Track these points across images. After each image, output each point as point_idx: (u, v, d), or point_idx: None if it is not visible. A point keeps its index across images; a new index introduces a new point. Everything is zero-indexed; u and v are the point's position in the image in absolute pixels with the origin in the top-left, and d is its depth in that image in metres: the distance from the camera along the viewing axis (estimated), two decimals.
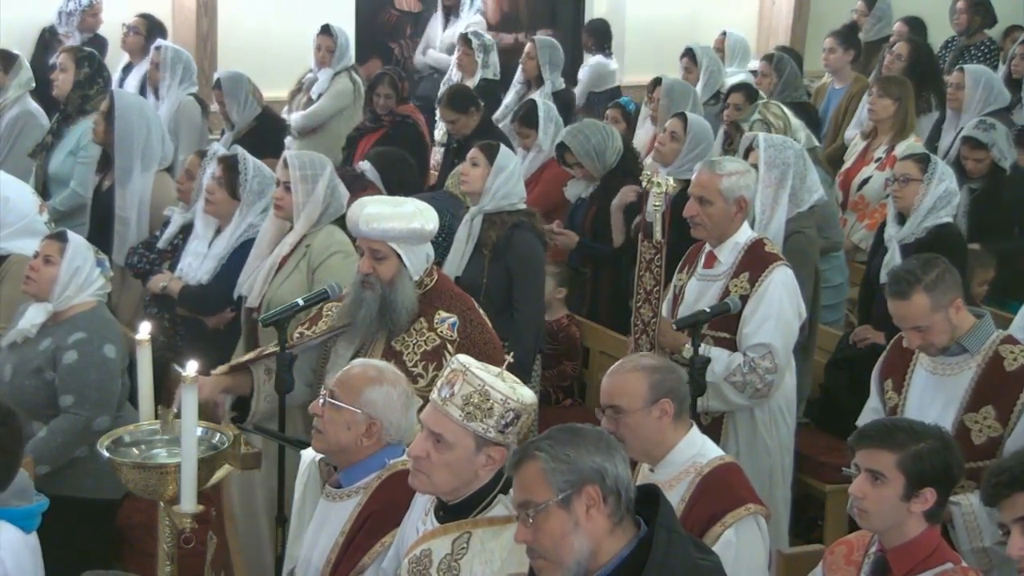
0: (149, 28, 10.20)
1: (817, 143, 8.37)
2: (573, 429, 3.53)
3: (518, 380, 4.03)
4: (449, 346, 5.21)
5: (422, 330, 5.25)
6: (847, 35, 10.86)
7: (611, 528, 3.47)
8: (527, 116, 8.61)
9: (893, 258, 6.94)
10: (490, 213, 6.70)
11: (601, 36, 11.29)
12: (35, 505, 4.24)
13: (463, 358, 3.99)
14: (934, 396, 5.03)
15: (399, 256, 5.20)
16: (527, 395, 3.96)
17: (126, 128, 7.61)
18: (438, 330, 5.24)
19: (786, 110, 8.05)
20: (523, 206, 6.77)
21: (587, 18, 13.03)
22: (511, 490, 3.92)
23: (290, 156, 6.33)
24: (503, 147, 6.89)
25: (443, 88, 10.61)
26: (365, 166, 8.03)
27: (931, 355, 5.06)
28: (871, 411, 5.28)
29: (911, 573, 3.96)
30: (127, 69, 10.12)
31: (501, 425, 3.89)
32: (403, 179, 7.82)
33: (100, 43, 10.26)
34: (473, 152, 6.84)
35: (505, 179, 6.69)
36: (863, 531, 4.22)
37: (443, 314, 5.26)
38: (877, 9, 11.72)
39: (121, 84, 9.74)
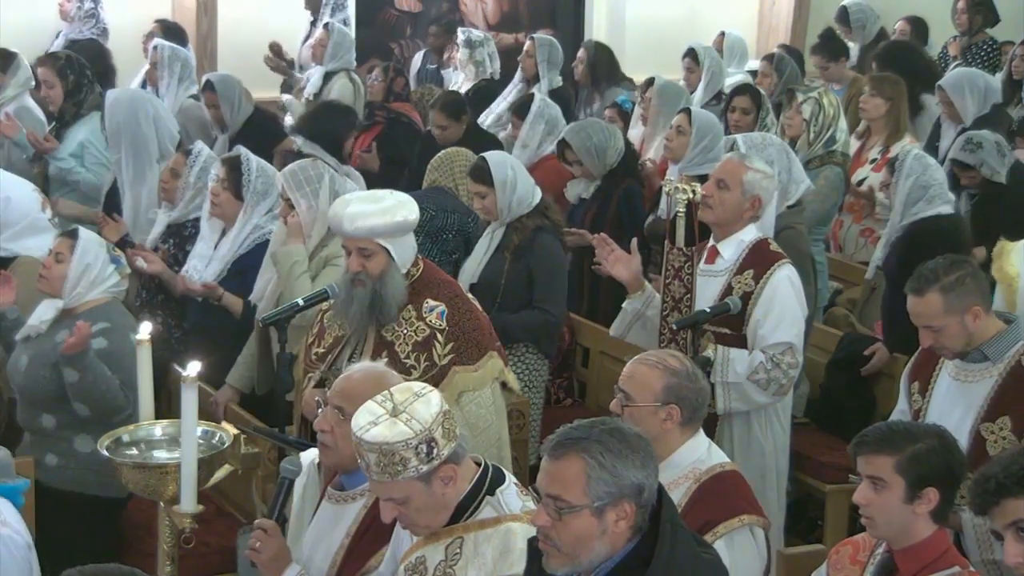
0: (165, 34, 10.23)
1: (849, 151, 8.37)
2: (623, 437, 3.48)
3: (417, 394, 3.83)
4: (439, 335, 5.21)
5: (411, 319, 5.24)
6: (828, 46, 10.80)
7: (630, 536, 3.49)
8: (522, 107, 8.60)
9: (878, 252, 6.98)
10: (511, 222, 6.69)
11: None
12: (22, 483, 4.26)
13: (353, 426, 3.82)
14: (955, 402, 4.96)
15: (387, 250, 5.19)
16: (425, 413, 3.78)
17: (114, 126, 7.61)
18: (427, 319, 5.23)
19: (841, 107, 8.10)
20: (538, 199, 6.71)
21: (587, 18, 13.05)
22: (498, 491, 3.92)
23: (283, 176, 6.27)
24: (490, 159, 6.75)
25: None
26: (298, 141, 8.04)
27: (947, 359, 4.98)
28: (898, 413, 5.23)
29: (918, 574, 3.94)
30: None
31: (424, 457, 3.78)
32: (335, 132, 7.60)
33: (98, 49, 10.23)
34: (473, 186, 6.74)
35: (513, 187, 6.64)
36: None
37: (431, 303, 5.25)
38: (855, 20, 11.66)
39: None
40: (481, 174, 6.70)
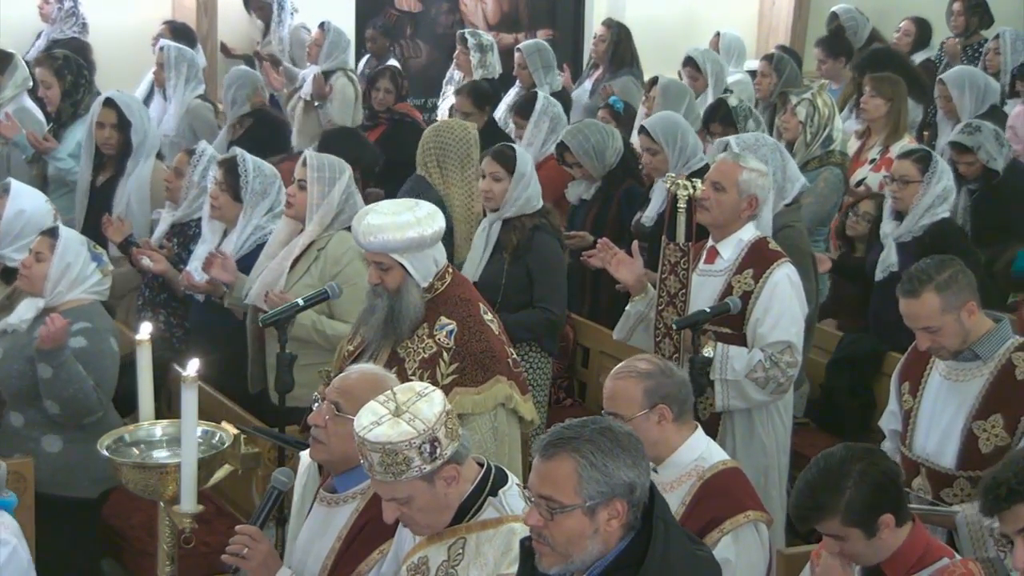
0: (173, 35, 10.24)
1: (847, 149, 8.36)
2: (613, 436, 3.47)
3: (420, 394, 3.84)
4: (444, 354, 5.16)
5: (423, 336, 5.19)
6: (832, 43, 10.82)
7: (623, 535, 3.50)
8: (524, 106, 8.58)
9: (889, 255, 6.95)
10: (510, 218, 6.68)
11: None
12: (11, 498, 4.23)
13: (356, 426, 3.83)
14: (947, 401, 4.97)
15: (403, 266, 5.12)
16: (428, 413, 3.79)
17: (141, 130, 7.66)
18: (436, 337, 5.18)
19: (835, 106, 8.08)
20: (540, 205, 6.73)
21: (587, 18, 13.05)
22: (500, 491, 3.93)
23: (310, 156, 6.32)
24: (518, 150, 6.80)
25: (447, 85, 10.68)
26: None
27: (943, 359, 4.97)
28: (890, 414, 5.25)
29: (908, 575, 3.95)
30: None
31: (427, 456, 3.78)
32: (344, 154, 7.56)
33: (79, 47, 10.23)
34: (492, 167, 6.69)
35: (525, 184, 6.64)
36: None
37: (444, 320, 5.19)
38: (845, 21, 11.68)
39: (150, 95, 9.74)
40: (504, 159, 6.68)
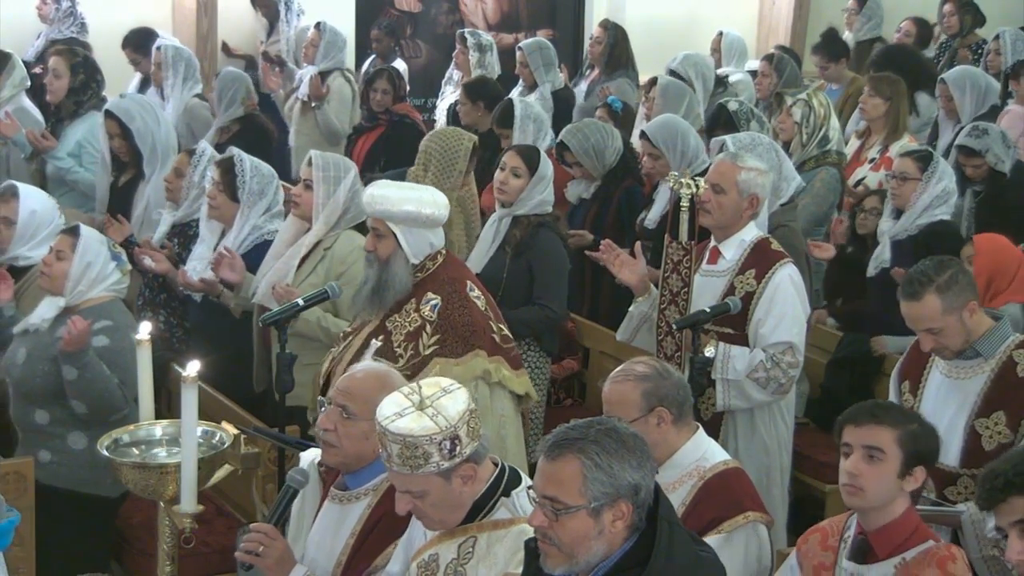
0: (136, 48, 10.18)
1: (844, 148, 8.35)
2: (619, 437, 3.48)
3: (445, 390, 3.85)
4: (428, 326, 5.33)
5: (410, 311, 5.39)
6: (829, 46, 10.79)
7: (628, 536, 3.50)
8: (503, 117, 8.53)
9: (883, 252, 6.96)
10: (519, 216, 6.70)
11: None
12: (7, 523, 4.12)
13: (379, 415, 3.84)
14: (948, 399, 4.99)
15: (396, 237, 5.34)
16: (451, 410, 3.80)
17: (145, 135, 7.68)
18: (422, 311, 5.37)
19: (831, 106, 8.08)
20: (550, 210, 6.77)
21: (587, 18, 13.05)
22: (513, 492, 3.92)
23: (315, 155, 6.35)
24: (542, 154, 6.85)
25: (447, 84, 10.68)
26: None
27: (946, 359, 4.99)
28: None
29: (894, 553, 4.00)
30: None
31: (447, 453, 3.79)
32: None
33: (80, 46, 10.21)
34: (514, 161, 6.73)
35: (544, 186, 6.68)
36: (836, 517, 4.26)
37: (430, 295, 5.39)
38: (867, 8, 11.68)
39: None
40: (529, 157, 6.73)
